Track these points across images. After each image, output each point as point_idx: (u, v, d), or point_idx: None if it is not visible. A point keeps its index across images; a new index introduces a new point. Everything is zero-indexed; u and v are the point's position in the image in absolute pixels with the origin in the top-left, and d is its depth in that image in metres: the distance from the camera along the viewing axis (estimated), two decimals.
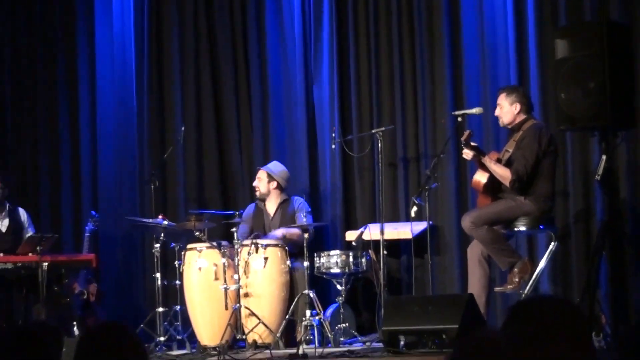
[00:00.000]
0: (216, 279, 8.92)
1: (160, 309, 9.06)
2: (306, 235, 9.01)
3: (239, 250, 8.94)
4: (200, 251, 9.05)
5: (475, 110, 8.66)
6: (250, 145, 10.68)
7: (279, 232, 9.44)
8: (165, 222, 9.22)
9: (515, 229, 8.30)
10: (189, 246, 9.15)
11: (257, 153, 10.57)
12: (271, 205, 9.71)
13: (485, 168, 8.27)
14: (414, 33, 9.99)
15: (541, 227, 8.34)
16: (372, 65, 10.16)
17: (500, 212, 8.21)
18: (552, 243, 8.35)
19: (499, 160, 8.26)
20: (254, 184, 9.71)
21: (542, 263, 8.32)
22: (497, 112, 8.39)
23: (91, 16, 11.28)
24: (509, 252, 8.21)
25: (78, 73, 11.34)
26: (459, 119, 8.67)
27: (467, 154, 8.24)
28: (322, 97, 10.32)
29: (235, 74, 10.78)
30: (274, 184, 9.63)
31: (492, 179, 8.24)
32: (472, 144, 8.20)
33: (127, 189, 11.02)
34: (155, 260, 9.21)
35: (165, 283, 9.25)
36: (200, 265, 9.03)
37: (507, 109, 8.29)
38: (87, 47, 11.29)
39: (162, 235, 9.23)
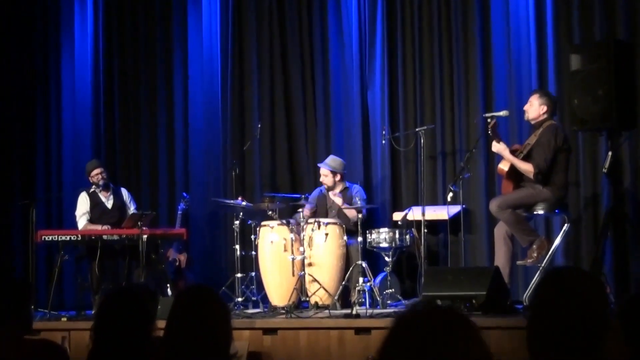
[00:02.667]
0: (285, 250, 8.93)
1: (239, 275, 9.02)
2: (360, 216, 9.03)
3: (305, 227, 8.98)
4: (272, 227, 9.06)
5: (503, 113, 8.58)
6: (315, 140, 10.65)
7: (340, 200, 9.46)
8: (244, 203, 9.20)
9: (535, 213, 8.24)
10: (263, 223, 9.15)
11: (320, 147, 10.53)
12: (334, 192, 9.73)
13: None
14: (452, 48, 9.94)
15: (556, 211, 8.28)
16: (416, 74, 10.12)
17: (522, 198, 8.15)
18: (566, 225, 8.30)
19: (518, 151, 8.21)
20: (321, 179, 9.63)
21: (557, 241, 8.26)
22: (527, 107, 8.29)
23: (184, 31, 11.29)
24: (529, 232, 8.16)
25: (173, 77, 11.33)
26: (489, 120, 8.53)
27: (496, 146, 8.23)
28: (374, 100, 10.29)
29: (302, 81, 10.74)
30: (337, 177, 9.60)
31: (513, 166, 8.22)
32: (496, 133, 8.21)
33: (213, 175, 11.01)
34: (235, 234, 9.21)
35: (243, 253, 9.17)
36: (272, 239, 9.04)
37: (535, 107, 8.20)
38: (181, 54, 11.29)
39: (241, 213, 9.22)
